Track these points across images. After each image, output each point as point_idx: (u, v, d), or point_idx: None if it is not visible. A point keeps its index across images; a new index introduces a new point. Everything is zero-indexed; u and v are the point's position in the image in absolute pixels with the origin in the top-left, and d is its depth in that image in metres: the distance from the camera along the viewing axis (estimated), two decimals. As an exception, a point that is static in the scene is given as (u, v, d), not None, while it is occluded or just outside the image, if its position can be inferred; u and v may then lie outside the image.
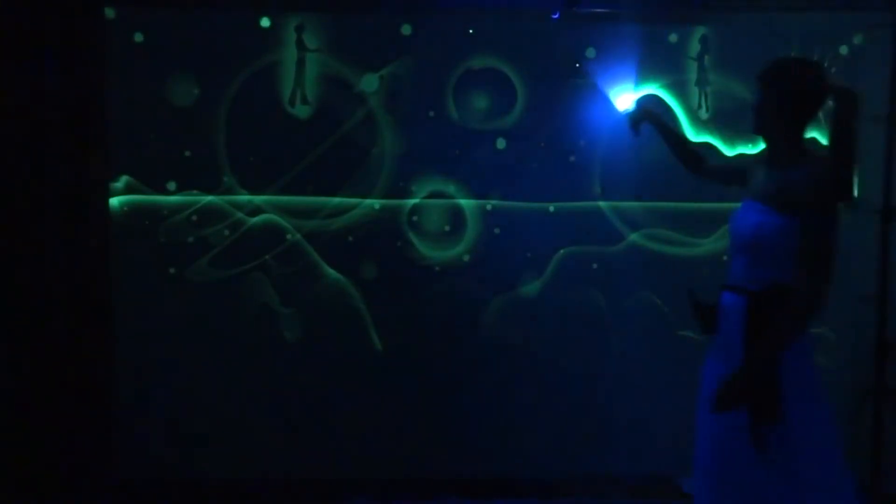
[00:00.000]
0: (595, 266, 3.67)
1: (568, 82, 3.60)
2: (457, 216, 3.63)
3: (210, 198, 3.52)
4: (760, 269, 2.27)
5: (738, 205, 3.64)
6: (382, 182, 3.58)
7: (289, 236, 3.56)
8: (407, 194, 3.60)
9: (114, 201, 3.48)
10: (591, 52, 3.59)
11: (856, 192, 2.20)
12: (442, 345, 3.64)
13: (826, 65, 3.64)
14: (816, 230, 2.14)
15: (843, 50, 3.65)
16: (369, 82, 3.54)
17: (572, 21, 3.58)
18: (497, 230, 3.63)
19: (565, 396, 3.68)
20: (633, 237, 3.67)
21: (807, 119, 2.30)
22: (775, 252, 2.23)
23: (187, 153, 3.50)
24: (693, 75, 3.64)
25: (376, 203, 3.58)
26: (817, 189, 2.15)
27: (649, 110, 2.92)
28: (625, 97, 3.18)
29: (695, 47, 3.64)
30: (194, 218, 3.52)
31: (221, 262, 3.54)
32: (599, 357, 3.71)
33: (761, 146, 3.63)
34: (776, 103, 2.29)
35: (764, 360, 2.20)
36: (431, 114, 3.58)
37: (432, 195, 3.61)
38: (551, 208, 3.63)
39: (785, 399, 2.25)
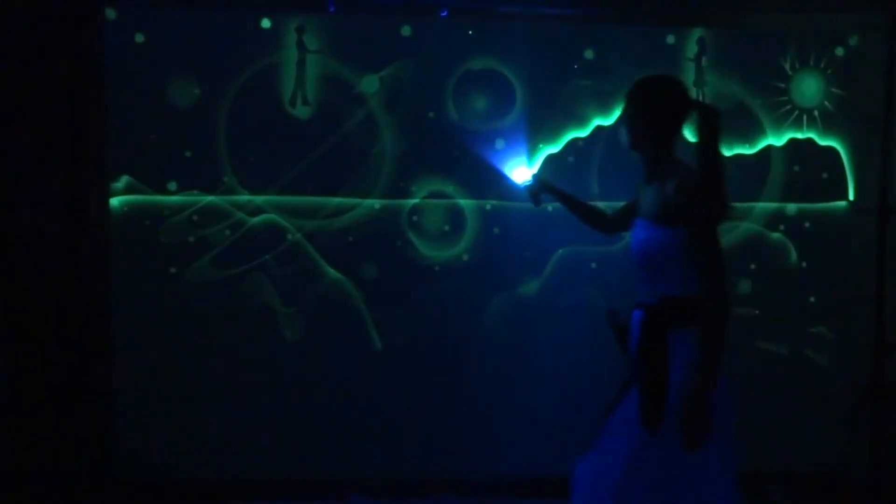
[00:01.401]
0: (594, 266, 3.68)
1: (569, 83, 3.62)
2: (457, 216, 3.64)
3: (210, 198, 3.52)
4: (654, 283, 2.31)
5: (737, 205, 3.67)
6: (382, 182, 3.59)
7: (289, 236, 3.57)
8: (407, 194, 3.61)
9: (114, 201, 3.48)
10: (589, 54, 3.62)
11: (730, 204, 2.25)
12: (442, 345, 3.64)
13: (824, 67, 3.68)
14: (701, 240, 2.17)
15: (840, 51, 3.68)
16: (369, 83, 3.56)
17: (572, 22, 3.61)
18: (496, 230, 3.64)
19: (565, 396, 3.68)
20: (633, 237, 3.67)
21: (673, 133, 2.33)
22: (664, 265, 2.27)
23: (188, 153, 3.50)
24: (690, 76, 3.67)
25: (376, 203, 3.59)
26: (689, 201, 2.19)
27: (546, 182, 2.96)
28: (520, 170, 3.25)
29: (692, 49, 3.66)
30: (195, 218, 3.52)
31: (222, 262, 3.54)
32: (598, 357, 3.70)
33: (758, 147, 3.70)
34: (642, 119, 2.35)
35: (700, 387, 2.19)
36: (431, 114, 3.59)
37: (432, 195, 3.62)
38: (550, 208, 3.64)
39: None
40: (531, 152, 3.58)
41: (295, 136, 3.54)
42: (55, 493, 3.21)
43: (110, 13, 3.44)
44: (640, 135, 2.36)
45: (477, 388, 3.66)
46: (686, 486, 2.31)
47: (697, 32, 3.66)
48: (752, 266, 3.73)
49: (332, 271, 3.59)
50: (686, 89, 2.37)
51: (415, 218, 3.62)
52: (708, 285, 2.17)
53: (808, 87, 3.70)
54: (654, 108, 2.33)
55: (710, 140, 2.24)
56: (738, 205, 3.70)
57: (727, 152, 3.69)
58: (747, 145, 3.71)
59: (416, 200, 3.61)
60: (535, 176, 2.99)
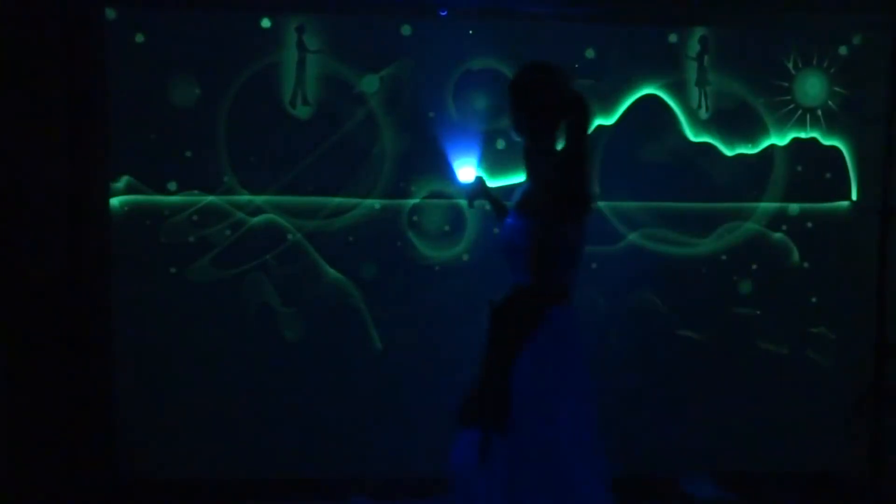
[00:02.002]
0: (595, 266, 3.67)
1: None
2: (457, 216, 3.63)
3: (211, 198, 3.52)
4: (516, 273, 2.31)
5: (738, 205, 3.67)
6: (382, 182, 3.59)
7: (289, 236, 3.57)
8: (407, 194, 3.60)
9: (114, 201, 3.48)
10: (590, 53, 3.60)
11: (593, 197, 2.25)
12: (442, 345, 3.64)
13: (827, 66, 3.65)
14: (540, 230, 2.17)
15: (843, 50, 3.66)
16: (369, 83, 3.55)
17: (573, 21, 3.59)
18: (497, 230, 3.62)
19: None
20: (632, 237, 3.67)
21: (546, 124, 2.30)
22: (518, 255, 2.27)
23: (188, 153, 3.50)
24: (693, 75, 3.65)
25: (376, 203, 3.59)
26: (546, 190, 2.20)
27: (484, 186, 2.92)
28: (466, 170, 3.24)
29: (694, 47, 3.64)
30: (195, 218, 3.52)
31: (222, 262, 3.55)
32: (598, 356, 3.70)
33: (761, 146, 3.68)
34: (515, 109, 2.35)
35: (493, 366, 2.23)
36: (431, 114, 3.58)
37: (432, 195, 3.61)
38: (551, 208, 3.63)
39: (517, 410, 2.25)
40: (481, 154, 3.54)
41: (295, 136, 3.54)
42: (56, 494, 3.23)
43: (110, 13, 3.44)
44: (515, 125, 2.36)
45: (477, 388, 3.65)
46: (545, 482, 2.28)
47: (700, 31, 3.64)
48: (754, 266, 3.72)
49: (332, 271, 3.60)
50: (558, 80, 2.32)
51: (415, 218, 3.61)
52: (532, 274, 2.17)
53: (812, 87, 3.67)
54: (525, 98, 2.32)
55: (577, 134, 2.22)
56: (739, 205, 3.70)
57: (729, 152, 3.68)
58: (750, 145, 3.69)
59: (416, 200, 3.61)
60: (478, 178, 2.96)
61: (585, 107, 2.25)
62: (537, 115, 2.31)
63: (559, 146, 2.29)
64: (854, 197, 3.72)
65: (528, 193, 2.34)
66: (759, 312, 3.73)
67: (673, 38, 3.64)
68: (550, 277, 2.22)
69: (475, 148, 3.47)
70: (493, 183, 3.60)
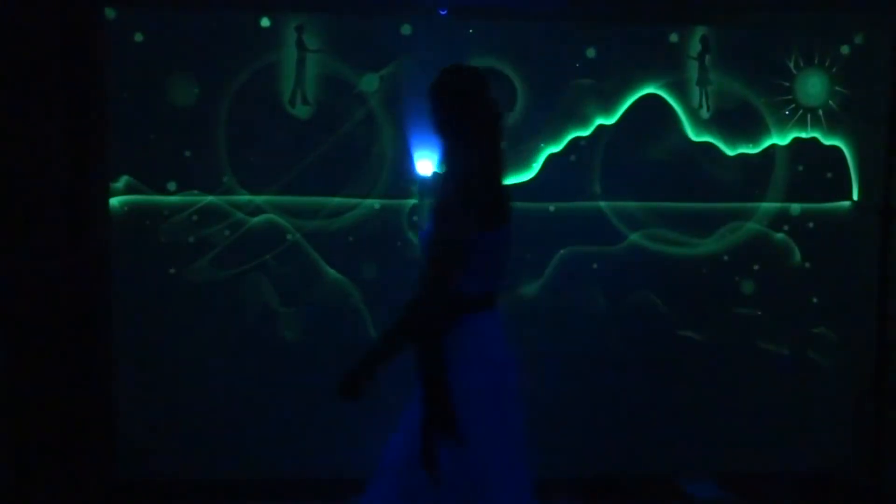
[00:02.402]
0: (595, 266, 3.66)
1: (571, 82, 3.60)
2: (457, 216, 3.62)
3: (210, 198, 3.52)
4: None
5: (740, 205, 3.66)
6: (382, 182, 3.58)
7: (289, 236, 3.56)
8: (407, 194, 3.60)
9: (114, 201, 3.48)
10: (590, 52, 3.59)
11: (503, 204, 2.22)
12: (442, 345, 3.64)
13: (829, 66, 3.63)
14: (436, 237, 2.13)
15: (845, 49, 3.64)
16: (369, 82, 3.54)
17: (574, 21, 3.58)
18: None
19: (565, 396, 3.67)
20: (633, 237, 3.66)
21: (458, 128, 2.23)
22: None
23: (187, 153, 3.50)
24: (694, 75, 3.64)
25: (376, 203, 3.58)
26: (440, 197, 2.16)
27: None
28: (425, 163, 3.23)
29: (695, 47, 3.63)
30: (194, 218, 3.52)
31: (222, 262, 3.54)
32: (599, 357, 3.70)
33: (762, 146, 3.67)
34: (431, 110, 2.31)
35: (425, 380, 2.21)
36: (432, 114, 3.57)
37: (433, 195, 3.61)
38: (551, 208, 3.63)
39: (463, 420, 2.20)
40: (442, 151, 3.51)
41: (294, 136, 3.53)
42: (57, 494, 3.23)
43: (110, 13, 3.43)
44: (433, 126, 2.31)
45: (477, 388, 3.65)
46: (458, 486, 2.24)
47: (701, 31, 3.63)
48: (756, 266, 3.71)
49: (332, 271, 3.59)
50: (473, 85, 2.27)
51: (415, 218, 3.61)
52: (421, 286, 2.13)
53: (813, 86, 3.66)
54: (439, 101, 2.28)
55: (483, 141, 2.19)
56: (740, 205, 3.69)
57: (731, 152, 3.67)
58: (751, 145, 3.69)
59: (416, 200, 3.60)
60: (435, 174, 2.93)
61: (497, 116, 2.22)
62: (451, 118, 2.25)
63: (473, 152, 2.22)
64: (855, 197, 3.71)
65: (434, 199, 2.29)
66: (760, 313, 3.73)
67: (674, 37, 3.63)
68: (444, 287, 2.13)
69: (438, 144, 3.46)
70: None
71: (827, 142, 3.69)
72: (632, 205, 3.66)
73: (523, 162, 3.62)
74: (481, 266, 2.21)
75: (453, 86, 2.29)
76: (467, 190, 2.12)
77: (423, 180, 3.03)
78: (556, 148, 3.63)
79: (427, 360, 2.21)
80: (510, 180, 3.61)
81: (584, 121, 3.63)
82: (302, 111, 3.53)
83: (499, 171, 2.24)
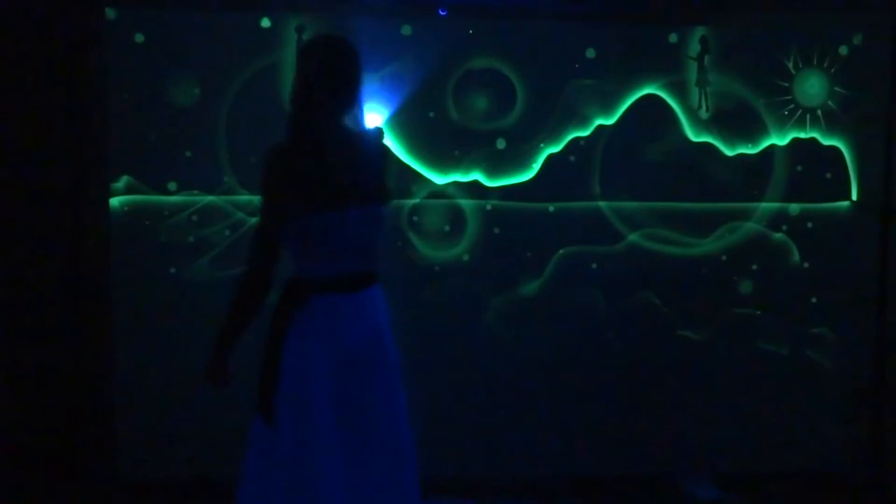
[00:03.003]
0: (595, 266, 3.67)
1: (570, 82, 3.61)
2: (457, 216, 3.63)
3: (210, 198, 3.52)
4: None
5: (739, 205, 3.67)
6: (382, 182, 3.58)
7: (289, 236, 3.56)
8: (407, 194, 3.60)
9: (114, 201, 3.48)
10: (590, 53, 3.60)
11: (341, 184, 2.18)
12: (442, 345, 3.64)
13: (828, 66, 3.64)
14: (262, 216, 2.17)
15: (844, 50, 3.65)
16: (369, 82, 3.54)
17: (573, 21, 3.59)
18: (497, 230, 3.63)
19: (565, 396, 3.68)
20: (633, 237, 3.67)
21: (290, 98, 2.20)
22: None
23: (188, 153, 3.50)
24: (693, 75, 3.64)
25: (376, 203, 3.58)
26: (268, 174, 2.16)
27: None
28: (373, 116, 3.23)
29: (695, 47, 3.64)
30: (195, 218, 3.52)
31: (222, 262, 3.54)
32: (598, 357, 3.71)
33: (761, 146, 3.68)
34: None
35: (214, 350, 2.37)
36: (431, 114, 3.58)
37: (432, 195, 3.61)
38: (551, 208, 3.64)
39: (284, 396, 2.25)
40: (396, 106, 3.52)
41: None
42: (56, 494, 3.24)
43: (110, 13, 3.43)
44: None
45: (476, 388, 3.66)
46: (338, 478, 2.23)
47: (700, 31, 3.63)
48: (755, 266, 3.72)
49: (332, 271, 3.59)
50: (315, 53, 2.20)
51: (415, 218, 3.61)
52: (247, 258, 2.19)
53: (812, 87, 3.67)
54: (298, 65, 2.26)
55: (307, 114, 2.15)
56: (739, 205, 3.70)
57: (730, 152, 3.68)
58: (750, 145, 3.69)
59: (416, 200, 3.61)
60: (379, 128, 2.92)
61: (340, 90, 2.16)
62: (292, 87, 2.21)
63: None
64: (854, 197, 3.72)
65: None
66: (759, 313, 3.73)
67: (673, 38, 3.63)
68: (253, 264, 2.18)
69: (391, 99, 3.46)
70: (492, 183, 3.62)
71: (826, 142, 3.70)
72: (631, 205, 3.66)
73: (523, 162, 3.63)
74: (324, 248, 2.19)
75: (299, 52, 2.29)
76: (274, 166, 2.12)
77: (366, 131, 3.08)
78: (555, 148, 3.64)
79: (267, 336, 2.27)
80: (513, 180, 3.62)
81: (583, 121, 3.63)
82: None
83: (337, 149, 2.17)
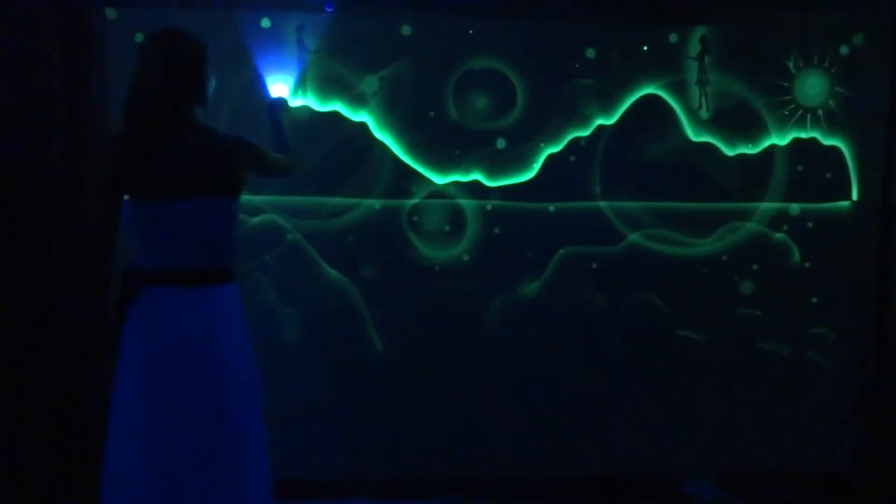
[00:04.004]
0: (595, 266, 3.67)
1: (570, 82, 3.61)
2: (457, 216, 3.63)
3: (210, 198, 3.51)
4: None
5: (739, 205, 3.66)
6: (382, 182, 3.58)
7: (289, 236, 3.57)
8: (407, 194, 3.60)
9: (114, 201, 3.47)
10: (590, 53, 3.59)
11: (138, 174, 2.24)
12: (442, 345, 3.64)
13: (828, 66, 3.63)
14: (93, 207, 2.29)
15: (844, 49, 3.65)
16: (369, 83, 3.54)
17: (573, 21, 3.59)
18: (497, 230, 3.63)
19: (565, 396, 3.68)
20: (633, 237, 3.67)
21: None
22: None
23: (188, 153, 3.49)
24: (693, 75, 3.64)
25: (376, 203, 3.59)
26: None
27: (281, 111, 3.04)
28: (280, 87, 3.25)
29: (695, 47, 3.63)
30: (194, 218, 3.51)
31: (222, 262, 3.54)
32: (599, 357, 3.71)
33: (762, 146, 3.68)
34: None
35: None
36: (431, 114, 3.58)
37: (432, 195, 3.61)
38: (551, 208, 3.64)
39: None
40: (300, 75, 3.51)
41: (295, 137, 3.52)
42: (56, 494, 3.23)
43: (110, 13, 3.43)
44: None
45: (477, 388, 3.66)
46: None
47: (700, 31, 3.63)
48: (755, 266, 3.71)
49: (331, 271, 3.59)
50: (146, 43, 2.35)
51: (415, 218, 3.61)
52: None
53: (812, 87, 3.66)
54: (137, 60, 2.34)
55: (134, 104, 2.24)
56: (740, 205, 3.69)
57: (730, 152, 3.67)
58: (751, 145, 3.69)
59: (416, 200, 3.61)
60: (282, 99, 3.10)
61: (160, 81, 2.24)
62: (134, 77, 2.30)
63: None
64: (855, 197, 3.72)
65: None
66: (759, 313, 3.73)
67: (673, 37, 3.63)
68: (92, 248, 2.25)
69: (296, 69, 3.46)
70: (492, 183, 3.62)
71: (826, 142, 3.69)
72: (631, 205, 3.66)
73: (523, 162, 3.62)
74: (153, 238, 2.24)
75: (139, 46, 2.40)
76: (107, 153, 2.24)
77: (270, 101, 3.15)
78: (555, 148, 3.64)
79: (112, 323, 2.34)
80: (513, 180, 3.62)
81: (583, 121, 3.63)
82: (303, 111, 3.53)
83: (166, 140, 2.24)
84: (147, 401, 2.26)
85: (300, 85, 3.52)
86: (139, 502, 2.25)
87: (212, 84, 2.44)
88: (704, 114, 3.65)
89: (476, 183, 3.62)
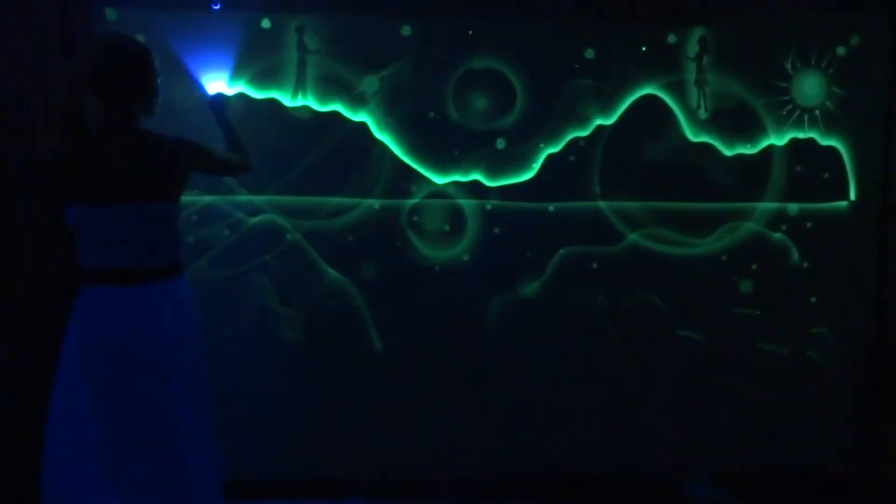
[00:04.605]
0: (595, 266, 3.67)
1: (569, 82, 3.62)
2: (457, 216, 3.63)
3: (210, 197, 3.52)
4: None
5: (738, 205, 3.67)
6: (382, 182, 3.59)
7: (289, 236, 3.56)
8: (407, 194, 3.60)
9: (114, 201, 3.47)
10: (590, 53, 3.61)
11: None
12: (442, 345, 3.64)
13: (826, 67, 3.65)
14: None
15: (842, 50, 3.66)
16: (369, 83, 3.55)
17: (572, 21, 3.60)
18: (497, 230, 3.64)
19: (565, 396, 3.68)
20: (633, 237, 3.67)
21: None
22: None
23: (187, 153, 3.49)
24: (692, 76, 3.65)
25: (376, 203, 3.59)
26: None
27: (220, 107, 3.05)
28: (217, 84, 3.27)
29: (693, 48, 3.65)
30: (194, 218, 3.51)
31: (221, 262, 3.54)
32: (599, 357, 3.71)
33: (760, 146, 3.69)
34: None
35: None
36: (431, 114, 3.58)
37: (432, 195, 3.61)
38: (551, 208, 3.64)
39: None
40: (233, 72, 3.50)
41: (295, 137, 3.53)
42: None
43: (110, 13, 3.43)
44: None
45: (477, 388, 3.66)
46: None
47: (699, 31, 3.65)
48: (754, 266, 3.72)
49: (332, 271, 3.59)
50: (100, 55, 2.38)
51: (415, 218, 3.61)
52: None
53: (810, 87, 3.68)
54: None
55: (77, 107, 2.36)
56: (739, 205, 3.70)
57: (728, 152, 3.68)
58: (749, 145, 3.70)
59: (416, 200, 3.61)
60: (220, 95, 3.11)
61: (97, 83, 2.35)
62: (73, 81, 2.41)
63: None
64: (853, 197, 3.73)
65: None
66: (759, 312, 3.73)
67: (672, 38, 3.64)
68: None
69: (229, 65, 3.46)
70: (492, 183, 3.62)
71: (824, 142, 3.71)
72: (631, 205, 3.66)
73: (523, 162, 3.63)
74: (92, 238, 2.33)
75: (83, 52, 2.46)
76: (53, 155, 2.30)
77: (208, 98, 3.21)
78: (555, 148, 3.64)
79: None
80: (513, 180, 3.63)
81: (583, 121, 3.64)
82: (302, 112, 3.53)
83: (103, 144, 2.32)
84: (87, 395, 2.30)
85: (300, 85, 3.52)
86: (80, 495, 2.28)
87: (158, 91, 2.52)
88: (703, 114, 3.67)
89: (476, 183, 3.62)
